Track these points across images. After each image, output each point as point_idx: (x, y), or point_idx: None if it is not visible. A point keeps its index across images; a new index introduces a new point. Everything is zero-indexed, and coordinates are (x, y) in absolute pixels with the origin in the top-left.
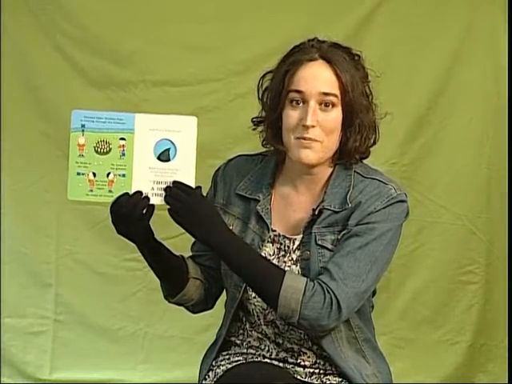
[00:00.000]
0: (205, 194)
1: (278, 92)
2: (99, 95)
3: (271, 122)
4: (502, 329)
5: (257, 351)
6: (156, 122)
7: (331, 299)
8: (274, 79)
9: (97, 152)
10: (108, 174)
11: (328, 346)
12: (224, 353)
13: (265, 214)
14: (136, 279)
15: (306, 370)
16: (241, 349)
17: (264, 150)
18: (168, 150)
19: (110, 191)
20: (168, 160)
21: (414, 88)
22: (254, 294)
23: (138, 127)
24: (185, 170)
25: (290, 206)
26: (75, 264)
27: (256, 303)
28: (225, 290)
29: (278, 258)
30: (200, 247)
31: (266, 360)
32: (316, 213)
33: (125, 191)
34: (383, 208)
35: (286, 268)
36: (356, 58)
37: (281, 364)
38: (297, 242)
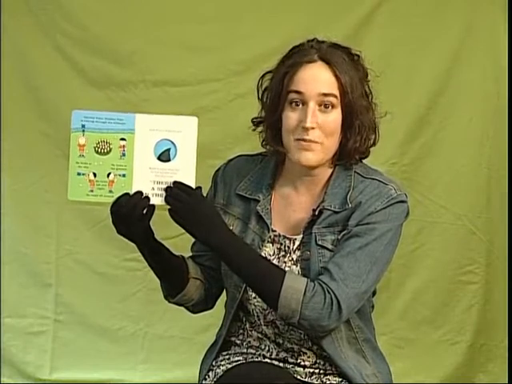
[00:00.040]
0: (205, 195)
1: (277, 93)
2: (99, 95)
3: (271, 123)
4: (502, 329)
5: (257, 351)
6: (156, 122)
7: (331, 300)
8: (274, 80)
9: (97, 152)
10: (108, 175)
11: (328, 346)
12: (224, 353)
13: (265, 214)
14: (136, 279)
15: (306, 369)
16: (241, 349)
17: (264, 149)
18: (168, 150)
19: (111, 191)
20: (168, 160)
21: (414, 88)
22: (253, 295)
23: (139, 127)
24: (185, 170)
25: (290, 206)
26: (75, 264)
27: (256, 303)
28: (225, 290)
29: (278, 258)
30: (200, 247)
31: (266, 360)
32: (316, 213)
33: (125, 191)
34: (383, 208)
35: (287, 268)
36: (355, 57)
37: (281, 364)
38: (297, 242)
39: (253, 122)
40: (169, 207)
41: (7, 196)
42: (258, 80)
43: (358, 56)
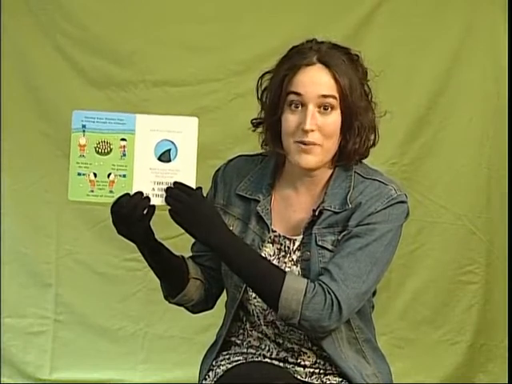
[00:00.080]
0: (205, 195)
1: (276, 95)
2: (99, 95)
3: (270, 125)
4: (502, 329)
5: (257, 351)
6: (157, 123)
7: (332, 300)
8: (273, 82)
9: (97, 152)
10: (109, 175)
11: (328, 346)
12: (224, 353)
13: (265, 215)
14: (136, 279)
15: (307, 369)
16: (241, 348)
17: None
18: (169, 150)
19: (111, 192)
20: (169, 161)
21: (414, 88)
22: (254, 295)
23: (139, 128)
24: (185, 171)
25: (290, 207)
26: (75, 264)
27: (256, 304)
28: (225, 291)
29: (279, 258)
30: (200, 247)
31: (267, 360)
32: (316, 213)
33: (125, 192)
34: (383, 209)
35: (287, 269)
36: (355, 58)
37: (281, 364)
38: (297, 243)
39: (252, 123)
40: (169, 208)
41: (7, 196)
42: (257, 80)
43: (358, 56)
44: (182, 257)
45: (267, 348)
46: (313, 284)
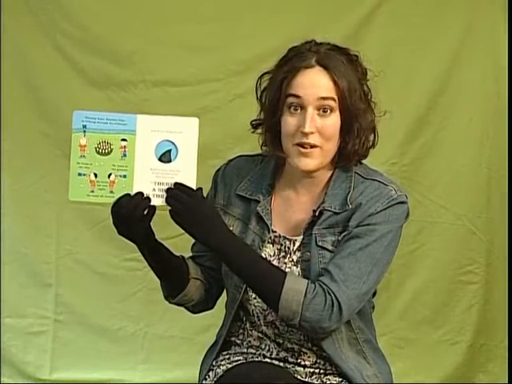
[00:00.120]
0: (206, 195)
1: (275, 98)
2: (99, 95)
3: (270, 127)
4: (502, 329)
5: (257, 351)
6: (157, 123)
7: (332, 301)
8: (272, 84)
9: (98, 153)
10: (109, 175)
11: (328, 346)
12: (224, 352)
13: (265, 215)
14: (136, 279)
15: (307, 369)
16: (241, 348)
17: None
18: (169, 151)
19: (111, 192)
20: (169, 161)
21: (414, 88)
22: (254, 295)
23: (140, 128)
24: (186, 172)
25: (290, 207)
26: (75, 264)
27: (256, 304)
28: (225, 291)
29: (279, 258)
30: (200, 248)
31: (267, 359)
32: (316, 214)
33: (126, 192)
34: (384, 209)
35: (287, 269)
36: (354, 58)
37: (281, 364)
38: (297, 243)
39: (252, 124)
40: (169, 208)
41: (7, 196)
42: (256, 81)
43: (357, 56)
44: (182, 257)
45: (267, 348)
46: (313, 285)
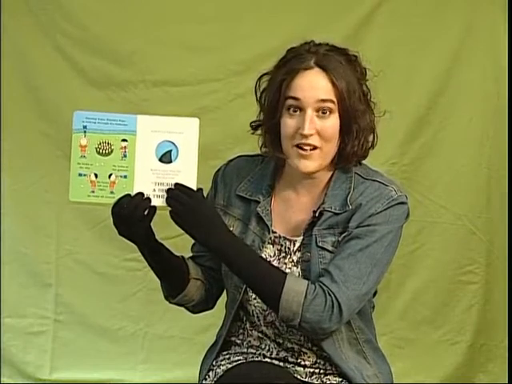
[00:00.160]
0: (206, 195)
1: (275, 99)
2: (99, 95)
3: (269, 128)
4: (502, 329)
5: (257, 351)
6: (158, 124)
7: (332, 302)
8: (271, 86)
9: (98, 153)
10: (110, 176)
11: (328, 347)
12: (224, 352)
13: (265, 216)
14: (136, 279)
15: (307, 369)
16: (241, 348)
17: None
18: (170, 151)
19: (112, 192)
20: (170, 162)
21: (414, 88)
22: (254, 296)
23: (140, 129)
24: (186, 172)
25: (290, 208)
26: (75, 264)
27: (256, 304)
28: (225, 291)
29: (279, 259)
30: (200, 248)
31: (267, 359)
32: (316, 215)
33: (126, 192)
34: (384, 210)
35: (287, 270)
36: (353, 58)
37: (281, 363)
38: (297, 244)
39: (251, 126)
40: (170, 209)
41: (7, 196)
42: (255, 82)
43: (356, 57)
44: (183, 257)
45: (267, 348)
46: (313, 286)
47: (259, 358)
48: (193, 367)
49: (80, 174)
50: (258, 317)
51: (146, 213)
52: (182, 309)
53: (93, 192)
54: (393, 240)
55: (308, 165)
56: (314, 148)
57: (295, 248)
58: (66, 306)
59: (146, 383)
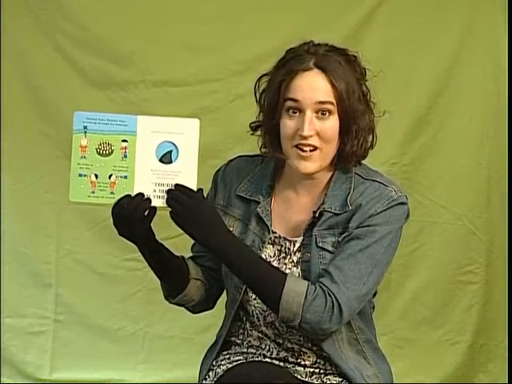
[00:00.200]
0: (206, 195)
1: (274, 100)
2: (99, 95)
3: (269, 129)
4: (502, 329)
5: (257, 350)
6: (158, 124)
7: (332, 303)
8: (270, 87)
9: (99, 154)
10: (110, 176)
11: (328, 347)
12: (224, 352)
13: (265, 216)
14: (136, 279)
15: (307, 369)
16: (241, 348)
17: None
18: (170, 152)
19: (112, 193)
20: (170, 162)
21: (414, 88)
22: (253, 296)
23: (141, 129)
24: (187, 173)
25: (290, 208)
26: (75, 264)
27: (256, 305)
28: (225, 291)
29: (279, 259)
30: (200, 248)
31: (267, 359)
32: (316, 215)
33: (127, 193)
34: (384, 210)
35: (287, 270)
36: (352, 58)
37: (281, 363)
38: (297, 244)
39: (251, 126)
40: (170, 209)
41: (7, 196)
42: (254, 83)
43: (355, 57)
44: (183, 257)
45: (267, 348)
46: (313, 286)
47: (259, 358)
48: (193, 367)
49: (80, 175)
50: (257, 317)
51: (146, 213)
52: (182, 309)
53: (93, 192)
54: (393, 240)
55: (308, 166)
56: (314, 149)
57: (295, 248)
58: (66, 306)
59: (145, 383)
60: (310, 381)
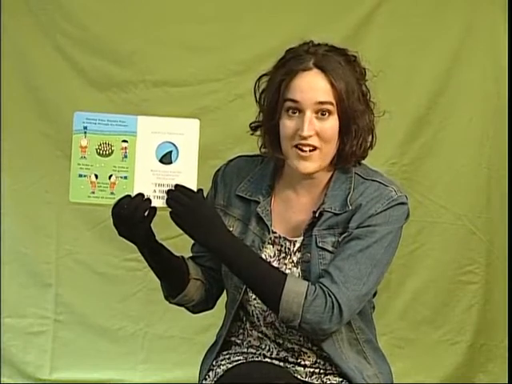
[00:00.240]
0: (206, 195)
1: (274, 101)
2: (99, 96)
3: (268, 129)
4: (502, 329)
5: (257, 350)
6: (158, 125)
7: (332, 303)
8: (270, 87)
9: (99, 154)
10: (110, 176)
11: (328, 347)
12: (224, 352)
13: (265, 216)
14: (136, 279)
15: (307, 369)
16: (241, 348)
17: None
18: (170, 152)
19: (112, 193)
20: (170, 163)
21: (414, 88)
22: (253, 296)
23: (141, 130)
24: (187, 173)
25: (290, 208)
26: (75, 264)
27: (256, 305)
28: (225, 291)
29: (279, 259)
30: (200, 248)
31: (267, 359)
32: (316, 215)
33: (127, 193)
34: (384, 210)
35: (287, 270)
36: (352, 58)
37: (281, 363)
38: (297, 244)
39: (250, 126)
40: (170, 210)
41: (7, 196)
42: (254, 83)
43: (355, 57)
44: (182, 257)
45: (267, 348)
46: (313, 287)
47: (259, 358)
48: (193, 367)
49: (80, 175)
50: (257, 317)
51: (146, 214)
52: (182, 309)
53: (93, 193)
54: (393, 240)
55: (307, 166)
56: (314, 149)
57: (295, 248)
58: (66, 306)
59: (145, 383)
60: (309, 381)
